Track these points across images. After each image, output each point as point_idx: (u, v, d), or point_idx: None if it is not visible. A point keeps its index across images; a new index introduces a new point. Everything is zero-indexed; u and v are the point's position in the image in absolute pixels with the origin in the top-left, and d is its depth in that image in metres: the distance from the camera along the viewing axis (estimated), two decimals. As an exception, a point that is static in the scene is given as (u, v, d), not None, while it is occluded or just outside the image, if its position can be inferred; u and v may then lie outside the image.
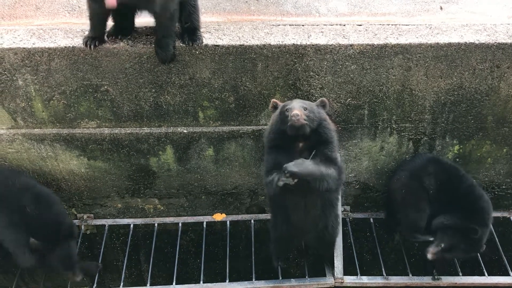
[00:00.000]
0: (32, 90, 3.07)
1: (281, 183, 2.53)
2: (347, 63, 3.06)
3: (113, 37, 2.97)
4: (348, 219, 3.78)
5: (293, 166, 2.50)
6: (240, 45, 2.98)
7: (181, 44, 2.95)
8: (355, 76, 3.12)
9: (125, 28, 3.01)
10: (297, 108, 2.58)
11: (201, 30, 3.02)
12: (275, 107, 2.82)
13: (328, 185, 2.63)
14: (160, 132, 3.34)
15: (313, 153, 2.67)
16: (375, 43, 3.02)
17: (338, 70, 3.10)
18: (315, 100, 3.18)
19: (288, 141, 2.70)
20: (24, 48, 2.92)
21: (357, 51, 3.02)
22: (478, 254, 3.43)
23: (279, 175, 2.55)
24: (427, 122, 3.39)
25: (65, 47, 2.93)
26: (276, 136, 2.74)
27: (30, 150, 3.34)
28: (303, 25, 3.15)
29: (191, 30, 2.93)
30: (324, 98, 2.78)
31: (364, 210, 3.88)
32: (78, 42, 2.94)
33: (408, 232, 3.52)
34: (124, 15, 2.95)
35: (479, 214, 3.26)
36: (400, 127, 3.41)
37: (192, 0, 2.90)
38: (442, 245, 3.20)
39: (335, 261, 3.39)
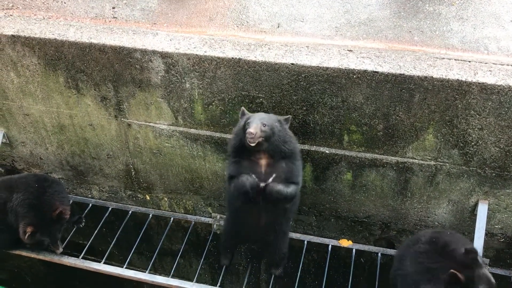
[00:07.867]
0: (196, 94, 3.34)
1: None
2: (515, 106, 2.85)
3: None
4: (485, 273, 3.48)
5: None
6: (400, 74, 2.93)
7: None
8: (522, 121, 2.89)
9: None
10: (254, 126, 2.72)
11: (362, 55, 3.05)
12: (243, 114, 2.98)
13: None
14: (303, 149, 3.40)
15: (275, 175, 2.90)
16: (553, 89, 2.77)
17: (503, 113, 2.89)
18: (471, 141, 3.02)
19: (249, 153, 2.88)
20: (196, 54, 3.19)
21: (529, 95, 2.80)
22: None
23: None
24: None
25: (232, 58, 3.14)
26: (237, 147, 2.93)
27: (184, 147, 3.64)
28: (469, 61, 3.00)
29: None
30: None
31: (506, 266, 3.54)
32: (244, 54, 3.14)
33: None
34: None
35: None
36: None
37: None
38: None
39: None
